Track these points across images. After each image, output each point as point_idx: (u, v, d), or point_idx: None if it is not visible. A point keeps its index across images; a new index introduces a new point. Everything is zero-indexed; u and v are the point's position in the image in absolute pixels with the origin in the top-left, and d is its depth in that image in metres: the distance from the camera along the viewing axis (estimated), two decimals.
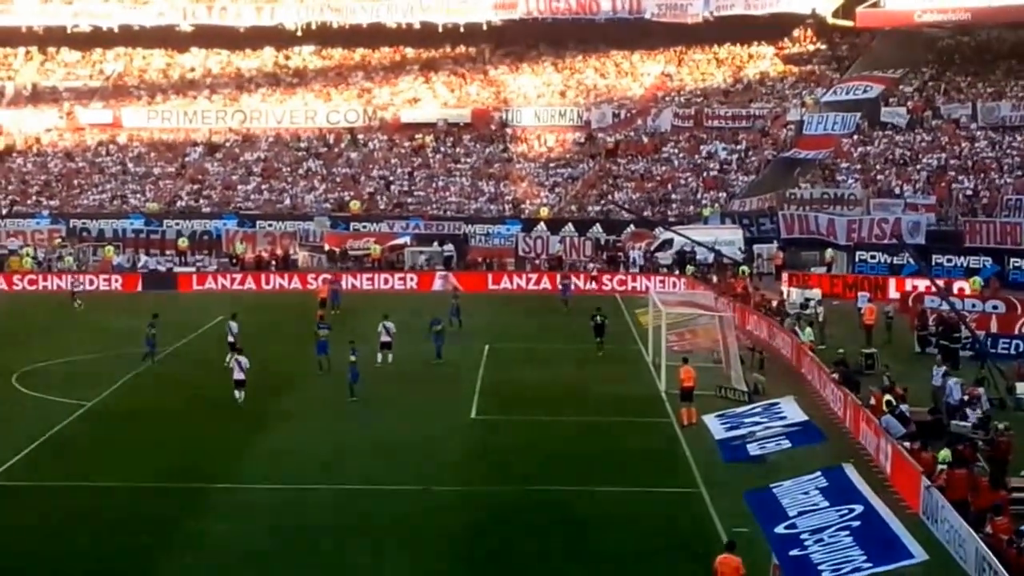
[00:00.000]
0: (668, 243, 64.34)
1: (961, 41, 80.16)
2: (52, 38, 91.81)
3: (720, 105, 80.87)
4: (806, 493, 20.07)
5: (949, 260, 57.59)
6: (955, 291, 49.89)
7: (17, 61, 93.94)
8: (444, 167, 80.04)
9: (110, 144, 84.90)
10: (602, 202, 73.86)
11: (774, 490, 20.69)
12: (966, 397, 32.26)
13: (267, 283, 63.82)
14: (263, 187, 79.52)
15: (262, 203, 77.88)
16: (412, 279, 63.80)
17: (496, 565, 24.00)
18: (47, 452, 31.70)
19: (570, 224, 70.02)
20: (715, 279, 57.55)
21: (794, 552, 18.26)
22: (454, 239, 68.47)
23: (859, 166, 69.95)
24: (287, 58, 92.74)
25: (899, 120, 72.50)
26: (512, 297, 60.43)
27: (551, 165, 79.18)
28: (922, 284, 50.43)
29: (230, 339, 42.03)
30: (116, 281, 63.92)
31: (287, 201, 78.00)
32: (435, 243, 67.86)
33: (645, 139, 79.34)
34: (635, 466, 30.19)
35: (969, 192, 64.73)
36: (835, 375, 35.64)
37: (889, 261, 58.95)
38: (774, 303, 50.18)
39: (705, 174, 75.07)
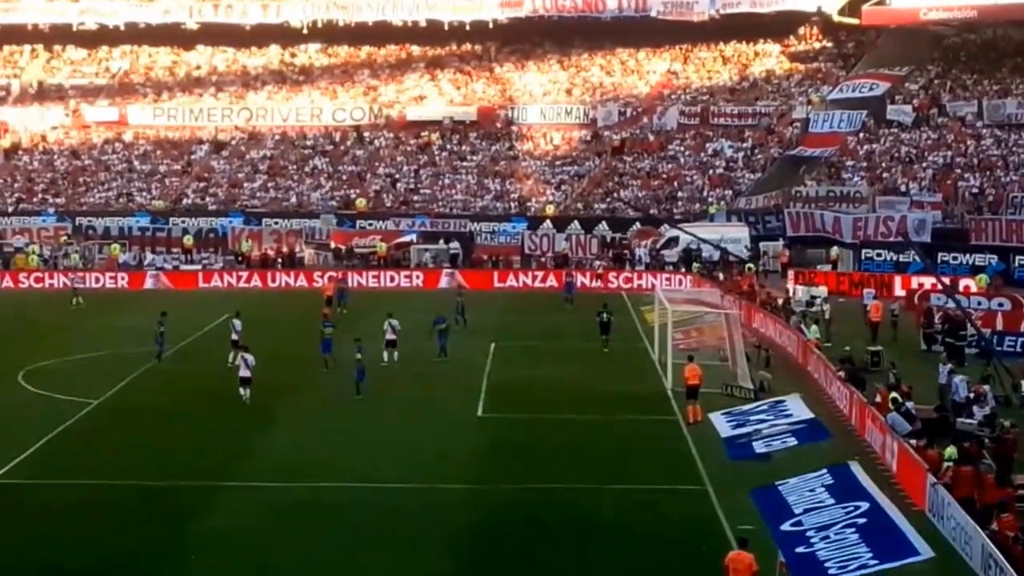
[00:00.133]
0: (674, 241, 64.35)
1: (967, 39, 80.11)
2: (58, 36, 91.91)
3: (726, 103, 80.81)
4: (812, 490, 20.08)
5: (955, 258, 57.66)
6: (961, 289, 49.93)
7: (23, 59, 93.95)
8: (450, 165, 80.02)
9: (116, 142, 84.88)
10: (608, 200, 73.87)
11: (780, 487, 20.69)
12: (972, 394, 32.24)
13: (273, 281, 63.85)
14: (269, 185, 79.53)
15: (268, 201, 77.89)
16: (418, 277, 63.80)
17: (502, 563, 24.02)
18: (54, 450, 31.75)
19: (576, 222, 70.01)
20: (721, 277, 57.52)
21: (800, 549, 18.27)
22: (460, 237, 68.45)
23: (865, 164, 69.96)
24: (293, 56, 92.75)
25: (905, 118, 72.45)
26: (518, 295, 60.45)
27: (557, 163, 79.14)
28: (928, 282, 50.33)
29: (234, 337, 42.01)
30: (122, 279, 64.04)
31: (293, 199, 78.02)
32: (441, 241, 67.97)
33: (651, 137, 79.30)
34: (641, 464, 30.21)
35: (975, 190, 64.71)
36: (841, 373, 35.60)
37: (895, 259, 58.99)
38: (780, 301, 50.16)
39: (711, 172, 75.02)
